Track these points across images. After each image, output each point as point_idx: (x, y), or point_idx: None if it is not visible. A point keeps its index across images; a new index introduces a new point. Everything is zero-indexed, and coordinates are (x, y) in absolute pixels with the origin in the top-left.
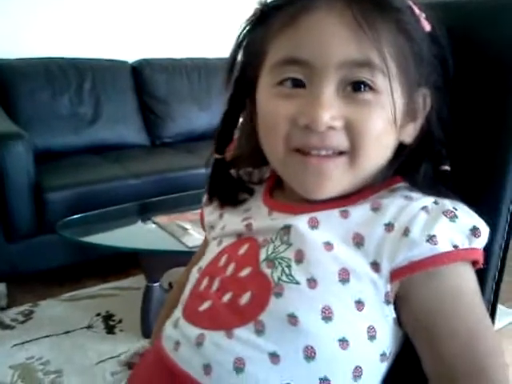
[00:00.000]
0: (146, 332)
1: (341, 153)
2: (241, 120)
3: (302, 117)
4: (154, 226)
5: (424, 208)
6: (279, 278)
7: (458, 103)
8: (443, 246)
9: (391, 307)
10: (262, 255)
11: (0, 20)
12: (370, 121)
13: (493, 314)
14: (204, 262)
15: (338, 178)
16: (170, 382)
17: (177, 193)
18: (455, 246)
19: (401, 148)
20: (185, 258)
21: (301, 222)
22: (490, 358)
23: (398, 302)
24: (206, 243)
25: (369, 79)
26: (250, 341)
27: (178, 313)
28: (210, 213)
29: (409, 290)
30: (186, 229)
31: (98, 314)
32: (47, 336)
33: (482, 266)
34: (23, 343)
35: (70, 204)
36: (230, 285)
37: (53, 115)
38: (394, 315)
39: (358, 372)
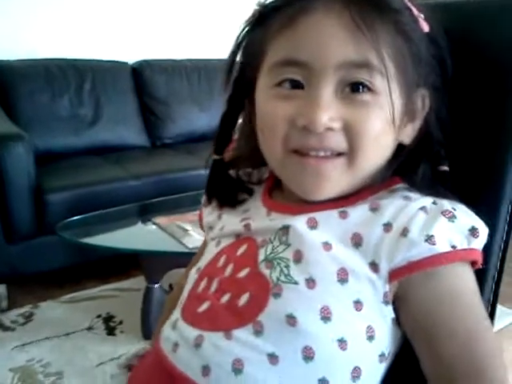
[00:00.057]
0: (147, 333)
1: (339, 154)
2: (240, 121)
3: (301, 118)
4: (154, 227)
5: (423, 208)
6: (278, 279)
7: (457, 104)
8: (442, 247)
9: (390, 307)
10: (261, 256)
11: (0, 21)
12: (369, 122)
13: (492, 315)
14: (203, 263)
15: (336, 178)
16: None
17: (177, 194)
18: (454, 247)
19: (400, 149)
20: (185, 259)
21: (299, 222)
22: (488, 359)
23: (397, 303)
24: (205, 244)
25: (367, 80)
26: (249, 342)
27: (176, 314)
28: (209, 213)
29: (407, 290)
30: (187, 230)
31: (99, 316)
32: (47, 338)
33: (481, 267)
34: (23, 345)
35: (70, 205)
36: (229, 286)
37: (53, 116)
38: (392, 315)
39: (356, 372)
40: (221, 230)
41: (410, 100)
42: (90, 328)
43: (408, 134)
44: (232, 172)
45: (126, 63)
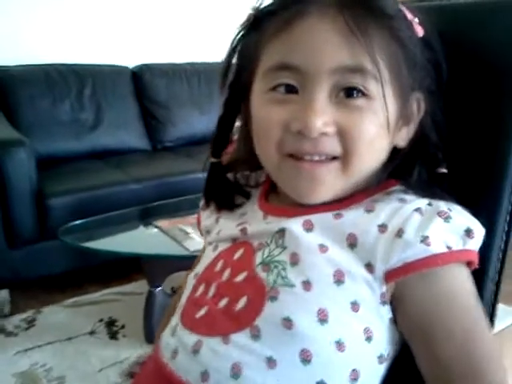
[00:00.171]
0: (149, 337)
1: (334, 158)
2: (239, 123)
3: (295, 123)
4: (155, 230)
5: (418, 210)
6: (275, 282)
7: (453, 106)
8: (437, 248)
9: (387, 308)
10: (258, 259)
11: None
12: (363, 126)
13: (492, 317)
14: (200, 268)
15: (331, 182)
16: None
17: (178, 197)
18: (449, 247)
19: (395, 152)
20: (187, 262)
21: (295, 224)
22: (486, 361)
23: (394, 304)
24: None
25: (361, 85)
26: (247, 346)
27: (175, 320)
28: (207, 217)
29: (404, 291)
30: (188, 233)
31: (101, 320)
32: (50, 343)
33: (477, 267)
34: (26, 350)
35: (71, 210)
36: (226, 290)
37: (54, 121)
38: (390, 316)
39: (355, 375)
40: (217, 234)
41: (404, 104)
42: (92, 332)
43: (403, 138)
44: (230, 175)
45: (126, 67)
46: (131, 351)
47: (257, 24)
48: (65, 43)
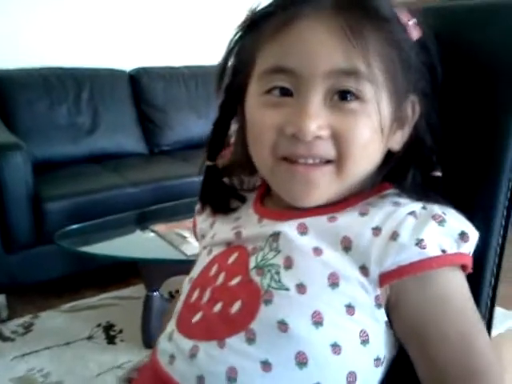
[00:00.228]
0: (147, 342)
1: (328, 161)
2: (236, 126)
3: (289, 126)
4: (152, 234)
5: (412, 213)
6: (269, 285)
7: (449, 108)
8: (431, 251)
9: (383, 311)
10: (252, 263)
11: None
12: (357, 130)
13: (489, 320)
14: (195, 272)
15: (325, 186)
16: None
17: (175, 201)
18: (443, 251)
19: (389, 155)
20: (184, 266)
21: (289, 228)
22: (482, 363)
23: (389, 307)
24: None
25: (355, 88)
26: (242, 350)
27: (172, 325)
28: (203, 220)
29: (398, 294)
30: (185, 237)
31: (99, 325)
32: (47, 348)
33: (471, 271)
34: (23, 355)
35: (68, 214)
36: (221, 294)
37: (51, 125)
38: (385, 319)
39: (351, 377)
40: (212, 238)
41: (399, 107)
42: (90, 337)
43: (397, 141)
44: (225, 179)
45: (123, 71)
46: (129, 356)
47: (253, 26)
48: (62, 46)
